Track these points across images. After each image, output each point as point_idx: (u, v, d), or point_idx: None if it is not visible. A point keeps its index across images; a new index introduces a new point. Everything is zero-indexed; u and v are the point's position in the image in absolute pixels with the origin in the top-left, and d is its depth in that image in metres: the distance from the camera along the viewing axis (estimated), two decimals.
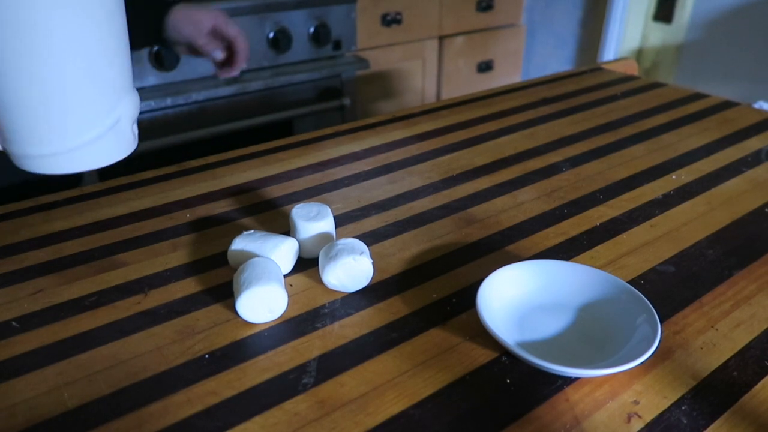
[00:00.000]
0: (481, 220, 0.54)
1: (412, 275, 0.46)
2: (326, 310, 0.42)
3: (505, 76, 2.19)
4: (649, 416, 0.34)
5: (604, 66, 1.02)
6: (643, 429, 0.33)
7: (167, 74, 1.07)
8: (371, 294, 0.44)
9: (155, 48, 1.03)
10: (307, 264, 0.47)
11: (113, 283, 0.44)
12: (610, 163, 0.66)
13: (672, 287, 0.45)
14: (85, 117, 0.36)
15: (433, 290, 0.44)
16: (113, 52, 0.37)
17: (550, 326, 0.40)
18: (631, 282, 0.45)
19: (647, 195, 0.59)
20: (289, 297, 0.42)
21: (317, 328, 0.40)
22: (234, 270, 0.45)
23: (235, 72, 0.76)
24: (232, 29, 0.74)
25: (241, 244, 0.45)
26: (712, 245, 0.50)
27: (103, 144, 0.38)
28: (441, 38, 1.93)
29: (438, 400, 0.35)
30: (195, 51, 0.76)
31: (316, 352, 0.38)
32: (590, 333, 0.40)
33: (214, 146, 0.81)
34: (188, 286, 0.44)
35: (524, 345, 0.38)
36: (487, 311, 0.38)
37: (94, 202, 0.55)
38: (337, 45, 1.30)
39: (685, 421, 0.34)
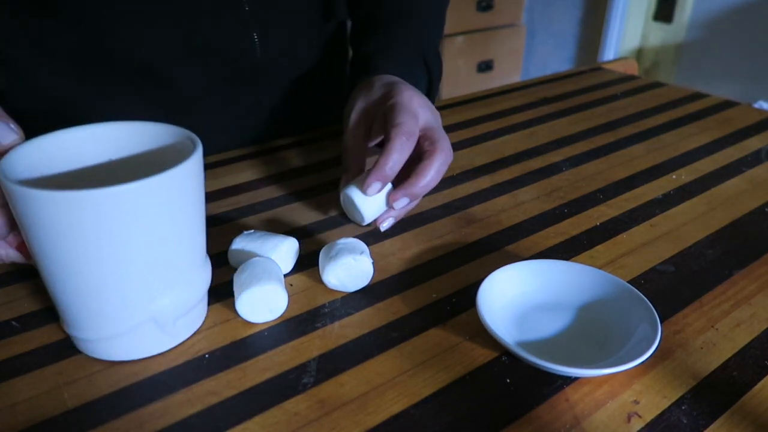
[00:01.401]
0: (481, 219, 0.54)
1: (412, 275, 0.46)
2: (326, 310, 0.42)
3: (505, 75, 2.19)
4: (649, 416, 0.34)
5: (604, 66, 1.02)
6: (643, 429, 0.33)
7: None
8: (371, 294, 0.44)
9: None
10: (307, 264, 0.47)
11: None
12: (610, 162, 0.66)
13: (672, 287, 0.45)
14: (106, 315, 0.35)
15: (433, 290, 0.44)
16: (159, 258, 0.35)
17: (550, 326, 0.40)
18: (631, 282, 0.45)
19: (647, 195, 0.59)
20: (289, 297, 0.42)
21: (317, 328, 0.40)
22: (234, 270, 0.45)
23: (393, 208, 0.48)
24: (443, 142, 0.48)
25: (241, 243, 0.45)
26: (712, 245, 0.50)
27: (126, 340, 0.36)
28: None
29: (438, 400, 0.35)
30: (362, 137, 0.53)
31: (316, 352, 0.38)
32: (590, 333, 0.40)
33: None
34: None
35: (524, 345, 0.38)
36: (487, 311, 0.38)
37: None
38: None
39: (685, 421, 0.34)
